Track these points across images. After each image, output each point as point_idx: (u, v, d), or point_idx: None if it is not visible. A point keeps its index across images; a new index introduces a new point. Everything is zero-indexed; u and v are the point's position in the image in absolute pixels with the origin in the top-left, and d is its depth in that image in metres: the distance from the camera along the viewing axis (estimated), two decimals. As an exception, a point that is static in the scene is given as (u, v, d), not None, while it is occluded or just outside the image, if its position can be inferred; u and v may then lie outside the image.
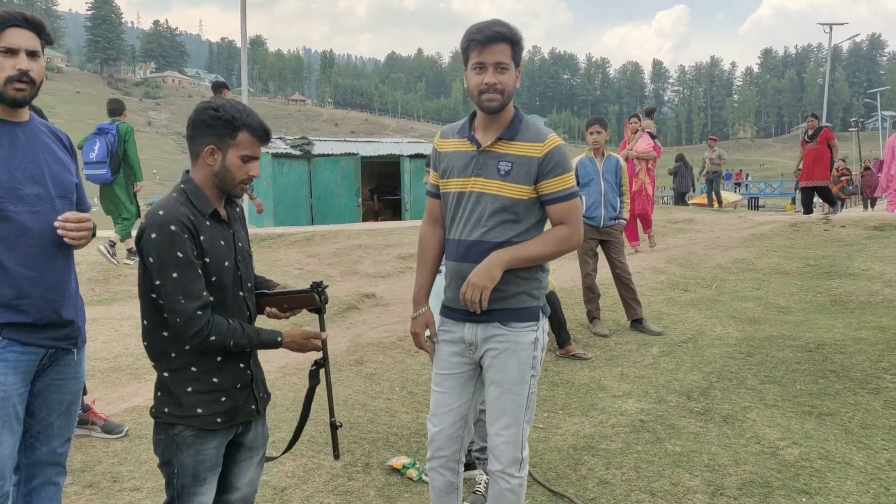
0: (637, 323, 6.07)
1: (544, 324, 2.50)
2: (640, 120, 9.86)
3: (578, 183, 6.01)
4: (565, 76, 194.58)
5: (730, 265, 8.55)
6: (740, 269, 8.37)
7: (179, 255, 2.02)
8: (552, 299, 5.58)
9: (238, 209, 2.36)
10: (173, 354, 2.12)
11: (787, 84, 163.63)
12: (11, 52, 2.03)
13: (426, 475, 2.82)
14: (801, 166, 12.63)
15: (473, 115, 2.46)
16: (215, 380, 2.15)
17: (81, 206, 2.34)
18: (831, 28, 30.87)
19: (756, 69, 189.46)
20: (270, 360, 5.16)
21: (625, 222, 6.13)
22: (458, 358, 2.50)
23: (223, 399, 2.17)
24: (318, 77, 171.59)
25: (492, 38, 2.26)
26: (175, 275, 2.02)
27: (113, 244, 8.19)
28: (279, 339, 2.22)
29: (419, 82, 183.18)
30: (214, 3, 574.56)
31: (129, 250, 8.28)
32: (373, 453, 3.82)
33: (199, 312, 2.04)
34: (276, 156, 14.87)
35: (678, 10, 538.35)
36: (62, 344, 2.19)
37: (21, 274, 2.06)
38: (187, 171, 2.19)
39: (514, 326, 2.41)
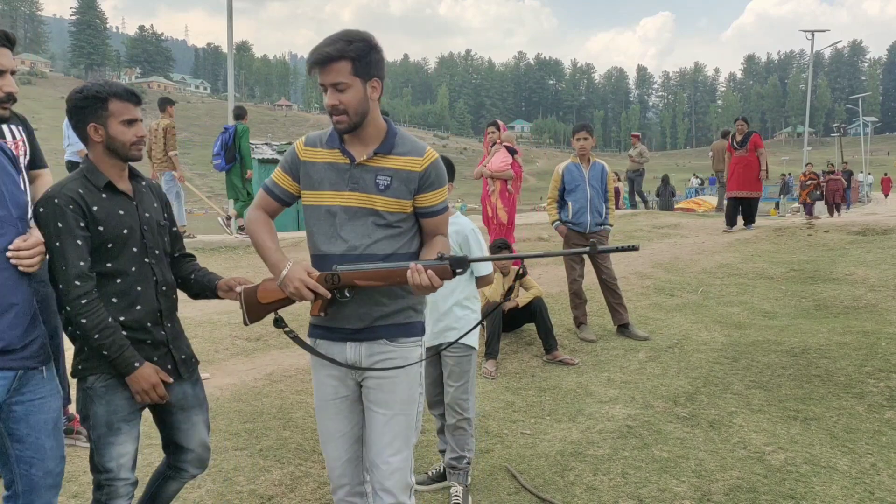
0: (623, 328, 6.09)
1: (424, 339, 2.43)
2: (498, 130, 8.13)
3: (565, 189, 6.04)
4: (550, 81, 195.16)
5: (715, 270, 8.61)
6: (725, 273, 8.42)
7: (59, 224, 2.19)
8: (539, 305, 5.59)
9: (145, 184, 2.53)
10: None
11: (770, 90, 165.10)
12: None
13: None
14: (725, 174, 11.71)
15: None
16: (123, 332, 2.29)
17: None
18: (813, 35, 31.26)
19: (739, 75, 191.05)
20: (257, 368, 5.14)
21: (611, 228, 6.15)
22: (338, 382, 2.36)
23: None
24: (305, 82, 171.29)
25: (324, 59, 2.16)
26: (57, 244, 2.20)
27: (229, 218, 10.86)
28: (136, 364, 2.27)
29: (405, 88, 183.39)
30: (200, 8, 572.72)
31: (240, 227, 10.74)
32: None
33: (77, 282, 2.20)
34: (262, 161, 14.82)
35: (662, 16, 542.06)
36: (30, 363, 2.12)
37: None
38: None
39: (402, 342, 2.32)
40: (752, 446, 3.91)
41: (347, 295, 2.22)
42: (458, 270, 2.14)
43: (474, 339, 3.45)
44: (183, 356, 2.49)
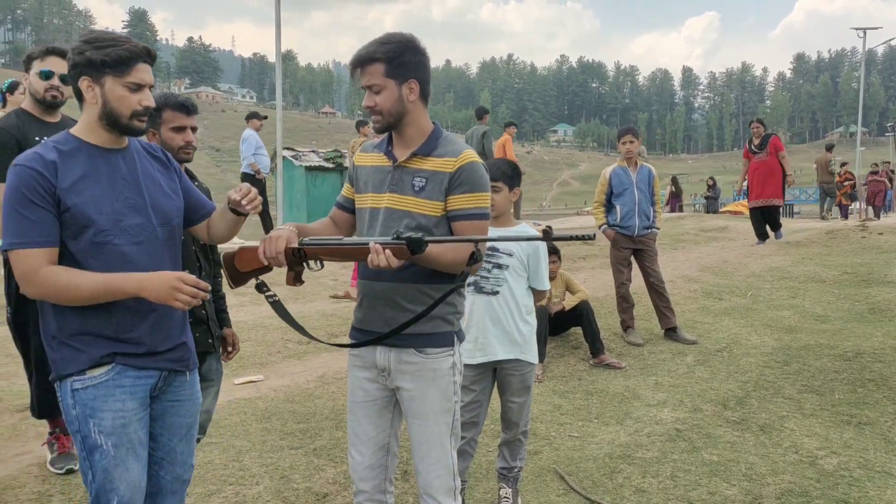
0: (671, 332, 6.06)
1: (459, 348, 2.40)
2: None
3: (612, 192, 6.04)
4: (594, 84, 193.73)
5: (764, 273, 8.48)
6: (775, 277, 8.29)
7: None
8: (585, 308, 5.61)
9: (197, 184, 2.82)
10: None
11: (821, 89, 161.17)
12: (139, 87, 2.03)
13: None
14: (745, 181, 10.70)
15: None
16: None
17: (203, 209, 2.32)
18: (865, 32, 30.41)
19: (789, 74, 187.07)
20: (309, 370, 5.27)
21: (658, 231, 6.14)
22: (371, 384, 2.37)
23: None
24: (348, 89, 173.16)
25: (360, 61, 2.21)
26: None
27: None
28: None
29: (447, 93, 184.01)
30: (247, 19, 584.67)
31: None
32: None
33: None
34: (309, 169, 15.08)
35: (708, 16, 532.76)
36: (175, 366, 2.17)
37: (128, 305, 2.03)
38: None
39: (430, 353, 2.29)
40: (805, 451, 3.87)
41: (315, 267, 2.26)
42: (414, 251, 2.07)
43: (535, 355, 3.39)
44: (217, 333, 2.99)
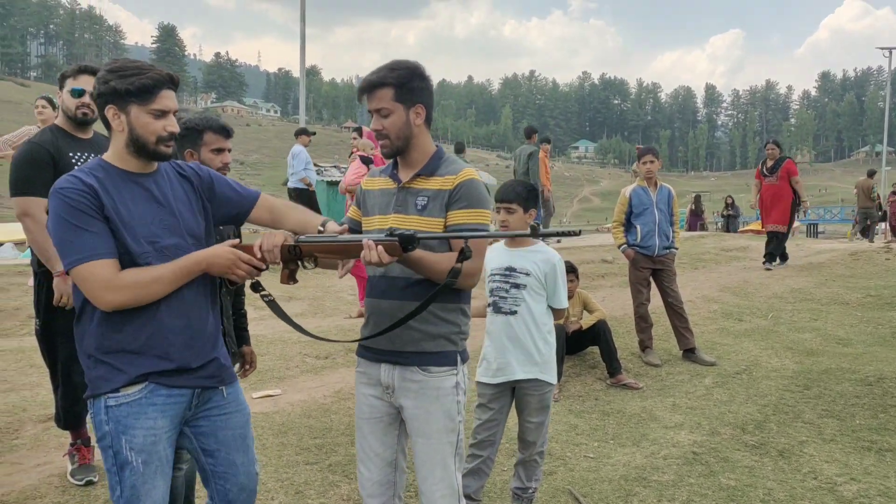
0: (689, 353, 6.02)
1: (464, 368, 2.43)
2: (359, 137, 7.58)
3: (632, 212, 6.04)
4: (615, 101, 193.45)
5: (786, 294, 8.39)
6: (797, 298, 8.21)
7: None
8: (603, 327, 5.59)
9: None
10: None
11: (847, 107, 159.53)
12: (164, 113, 2.08)
13: None
14: (756, 202, 10.28)
15: None
16: None
17: (244, 205, 2.34)
18: (891, 52, 30.17)
19: (814, 92, 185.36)
20: (326, 385, 5.30)
21: (676, 251, 6.12)
22: (378, 401, 2.41)
23: None
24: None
25: (368, 86, 2.31)
26: None
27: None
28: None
29: (469, 109, 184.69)
30: (273, 35, 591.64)
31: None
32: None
33: None
34: (330, 184, 15.21)
35: (733, 34, 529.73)
36: (208, 382, 2.19)
37: (165, 324, 2.07)
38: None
39: (433, 371, 2.32)
40: (824, 477, 3.82)
41: (309, 266, 2.25)
42: (408, 247, 2.08)
43: (555, 375, 3.39)
44: (233, 349, 3.02)
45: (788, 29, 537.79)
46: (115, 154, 2.11)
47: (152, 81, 2.04)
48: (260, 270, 2.15)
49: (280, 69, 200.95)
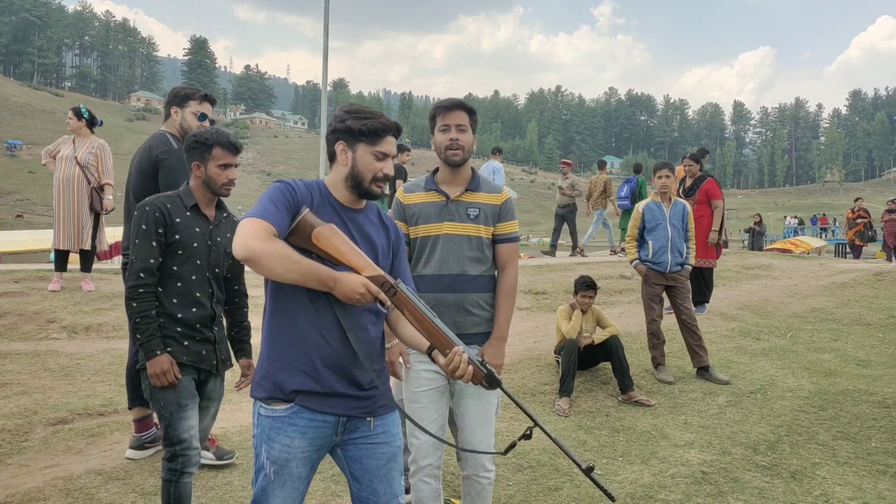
0: (703, 371, 5.93)
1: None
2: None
3: (645, 227, 5.99)
4: (642, 117, 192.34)
5: (807, 314, 8.25)
6: (818, 318, 8.06)
7: (143, 227, 2.85)
8: (615, 343, 5.53)
9: (226, 216, 3.14)
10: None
11: (878, 126, 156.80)
12: (385, 156, 2.25)
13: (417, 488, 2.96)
14: None
15: (435, 172, 3.04)
16: (178, 329, 2.90)
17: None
18: (924, 69, 29.62)
19: (844, 111, 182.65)
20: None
21: (690, 268, 6.04)
22: (433, 374, 2.88)
23: (186, 343, 2.91)
24: (398, 117, 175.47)
25: (454, 105, 2.91)
26: (137, 240, 2.85)
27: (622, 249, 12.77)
28: (157, 352, 2.80)
29: (495, 123, 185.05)
30: (302, 48, 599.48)
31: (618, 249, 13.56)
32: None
33: (141, 274, 2.82)
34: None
35: (763, 51, 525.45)
36: (354, 412, 2.22)
37: (315, 341, 2.15)
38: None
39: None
40: (836, 500, 3.73)
41: (385, 309, 2.27)
42: (489, 384, 2.15)
43: None
44: (223, 356, 3.09)
45: (819, 47, 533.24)
46: (333, 183, 2.28)
47: (382, 126, 2.24)
48: (381, 304, 2.20)
49: (308, 82, 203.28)
